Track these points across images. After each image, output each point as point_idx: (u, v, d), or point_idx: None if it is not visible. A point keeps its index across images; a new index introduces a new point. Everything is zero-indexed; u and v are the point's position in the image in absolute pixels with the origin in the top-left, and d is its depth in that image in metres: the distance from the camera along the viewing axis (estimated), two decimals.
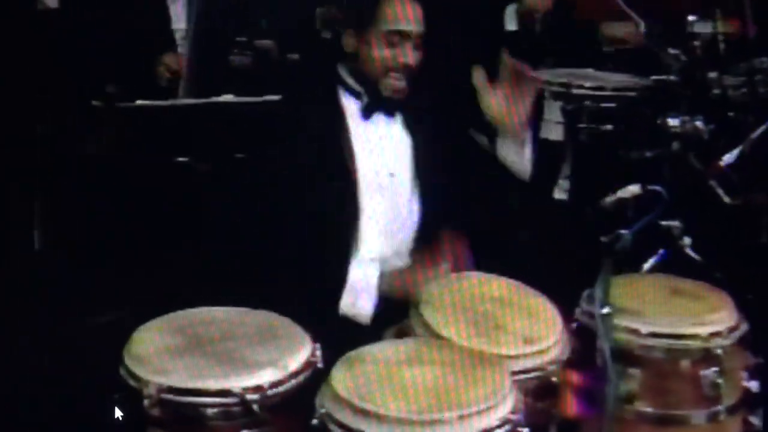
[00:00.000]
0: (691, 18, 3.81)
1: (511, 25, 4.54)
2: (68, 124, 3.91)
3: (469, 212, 3.18)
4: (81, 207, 3.86)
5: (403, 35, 3.08)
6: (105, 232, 3.77)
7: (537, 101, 4.13)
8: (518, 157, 3.16)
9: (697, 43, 3.78)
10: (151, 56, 4.16)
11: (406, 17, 3.08)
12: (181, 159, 3.51)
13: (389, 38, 3.07)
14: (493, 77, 3.08)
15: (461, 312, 2.76)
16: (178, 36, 4.25)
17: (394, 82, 3.10)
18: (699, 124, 3.68)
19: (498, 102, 3.05)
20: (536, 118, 3.13)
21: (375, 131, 3.16)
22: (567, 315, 2.88)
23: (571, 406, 2.69)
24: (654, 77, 3.94)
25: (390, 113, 3.17)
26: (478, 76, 3.07)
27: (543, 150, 4.14)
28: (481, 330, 2.69)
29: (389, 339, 2.81)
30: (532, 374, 2.63)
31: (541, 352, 2.67)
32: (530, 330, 2.71)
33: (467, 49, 4.38)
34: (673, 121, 3.72)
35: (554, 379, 2.66)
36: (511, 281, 2.94)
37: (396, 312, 2.86)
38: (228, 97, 3.45)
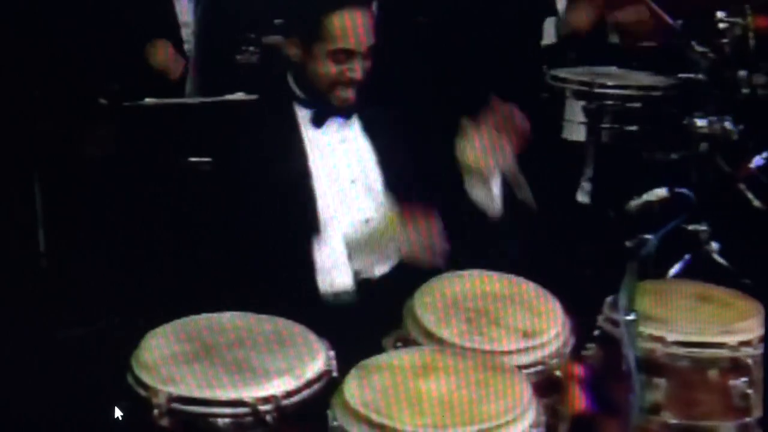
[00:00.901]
0: (719, 14, 3.74)
1: (549, 39, 4.43)
2: (73, 123, 3.86)
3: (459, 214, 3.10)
4: (86, 207, 3.81)
5: (349, 53, 2.97)
6: (111, 233, 3.73)
7: (558, 101, 4.09)
8: (485, 196, 3.03)
9: (725, 40, 3.71)
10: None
11: (354, 34, 2.95)
12: (188, 159, 3.45)
13: (336, 56, 2.97)
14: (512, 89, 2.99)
15: (456, 310, 2.71)
16: (185, 32, 4.17)
17: (341, 95, 3.02)
18: (728, 124, 3.63)
19: (473, 149, 2.94)
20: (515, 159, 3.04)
21: (329, 138, 3.08)
22: (589, 322, 2.83)
23: (578, 402, 2.65)
24: (681, 76, 3.88)
25: (344, 117, 3.08)
26: (464, 122, 2.97)
27: (564, 151, 4.09)
28: (477, 327, 2.63)
29: (391, 347, 2.73)
30: (534, 369, 2.56)
31: (541, 345, 2.61)
32: (529, 323, 2.65)
33: (488, 50, 4.33)
34: (700, 122, 3.67)
35: (557, 373, 2.60)
36: (508, 275, 2.88)
37: (394, 318, 2.78)
38: (239, 95, 3.39)
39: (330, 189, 3.05)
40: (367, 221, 3.08)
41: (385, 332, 2.79)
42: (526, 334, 2.61)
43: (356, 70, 2.99)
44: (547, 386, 2.57)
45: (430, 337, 2.61)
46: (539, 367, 2.57)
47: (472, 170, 2.98)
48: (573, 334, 2.70)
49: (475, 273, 2.89)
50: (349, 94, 3.02)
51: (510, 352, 2.56)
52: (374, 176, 3.11)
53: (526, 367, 2.54)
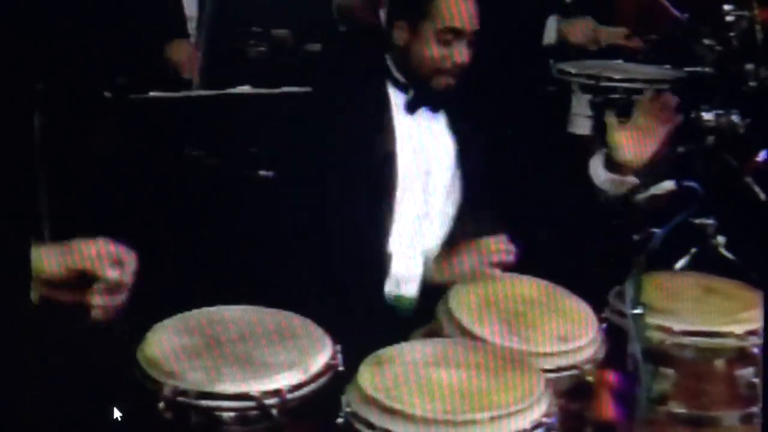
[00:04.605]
0: (726, 7, 3.71)
1: (549, 38, 4.39)
2: (79, 116, 3.84)
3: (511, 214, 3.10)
4: (92, 200, 3.79)
5: (458, 33, 2.98)
6: (117, 227, 3.71)
7: (564, 95, 4.06)
8: (609, 183, 3.05)
9: (732, 33, 3.68)
10: (162, 45, 4.06)
11: (462, 14, 2.96)
12: (194, 153, 3.43)
13: (443, 36, 2.97)
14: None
15: (493, 311, 2.71)
16: (191, 25, 4.15)
17: (444, 81, 3.03)
18: (734, 118, 3.60)
19: (627, 142, 2.96)
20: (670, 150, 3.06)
21: (418, 127, 3.09)
22: (596, 314, 2.79)
23: (606, 409, 2.62)
24: (687, 69, 3.86)
25: (435, 110, 3.10)
26: (609, 117, 3.00)
27: (570, 145, 4.07)
28: (513, 329, 2.64)
29: (418, 339, 2.73)
30: (566, 373, 2.56)
31: (575, 350, 2.61)
32: (564, 329, 2.65)
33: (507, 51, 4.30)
34: (707, 115, 3.64)
35: (589, 378, 2.59)
36: (542, 281, 2.88)
37: (423, 313, 2.79)
38: (244, 89, 3.36)
39: (408, 177, 3.07)
40: (426, 214, 3.10)
41: (413, 327, 2.82)
42: (561, 339, 2.62)
43: (462, 53, 2.99)
44: (578, 391, 2.57)
45: (468, 335, 2.62)
46: (573, 371, 2.57)
47: (628, 167, 2.98)
48: (605, 342, 2.69)
49: (508, 276, 2.90)
50: (450, 80, 3.02)
51: (546, 354, 2.56)
52: (446, 174, 3.13)
53: (561, 370, 2.55)
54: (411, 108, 3.07)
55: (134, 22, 3.92)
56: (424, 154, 3.09)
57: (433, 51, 2.99)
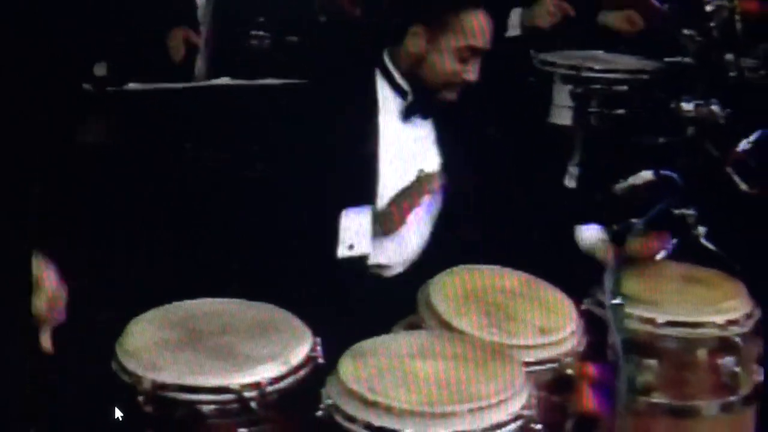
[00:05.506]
0: None
1: (513, 31, 4.36)
2: (63, 109, 3.79)
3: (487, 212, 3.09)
4: (78, 197, 3.77)
5: (476, 51, 2.98)
6: (104, 225, 3.69)
7: (545, 85, 4.05)
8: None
9: (713, 23, 3.68)
10: (163, 33, 3.89)
11: (485, 33, 2.97)
12: (177, 147, 3.39)
13: (463, 53, 2.97)
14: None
15: (473, 303, 2.71)
16: (199, 14, 4.05)
17: (451, 96, 3.02)
18: (715, 108, 3.59)
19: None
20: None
21: (408, 133, 3.07)
22: (577, 305, 2.80)
23: (587, 401, 2.63)
24: (668, 59, 3.85)
25: (425, 116, 3.08)
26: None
27: (552, 136, 4.07)
28: (493, 320, 2.64)
29: (399, 331, 2.73)
30: (547, 366, 2.57)
31: (556, 342, 2.61)
32: (544, 321, 2.66)
33: None
34: (687, 106, 3.63)
35: (569, 371, 2.59)
36: (523, 273, 2.88)
37: (405, 306, 2.78)
38: (224, 80, 3.30)
39: (388, 182, 3.05)
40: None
41: (394, 320, 2.81)
42: (542, 331, 2.62)
43: (475, 71, 2.99)
44: (559, 384, 2.58)
45: (447, 327, 2.62)
46: (553, 364, 2.58)
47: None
48: (585, 335, 2.70)
49: (491, 268, 2.90)
50: (455, 95, 3.02)
51: (527, 347, 2.56)
52: None
53: (541, 363, 2.56)
54: (407, 114, 3.05)
55: (147, 11, 3.79)
56: (411, 161, 3.06)
57: (448, 66, 2.98)
